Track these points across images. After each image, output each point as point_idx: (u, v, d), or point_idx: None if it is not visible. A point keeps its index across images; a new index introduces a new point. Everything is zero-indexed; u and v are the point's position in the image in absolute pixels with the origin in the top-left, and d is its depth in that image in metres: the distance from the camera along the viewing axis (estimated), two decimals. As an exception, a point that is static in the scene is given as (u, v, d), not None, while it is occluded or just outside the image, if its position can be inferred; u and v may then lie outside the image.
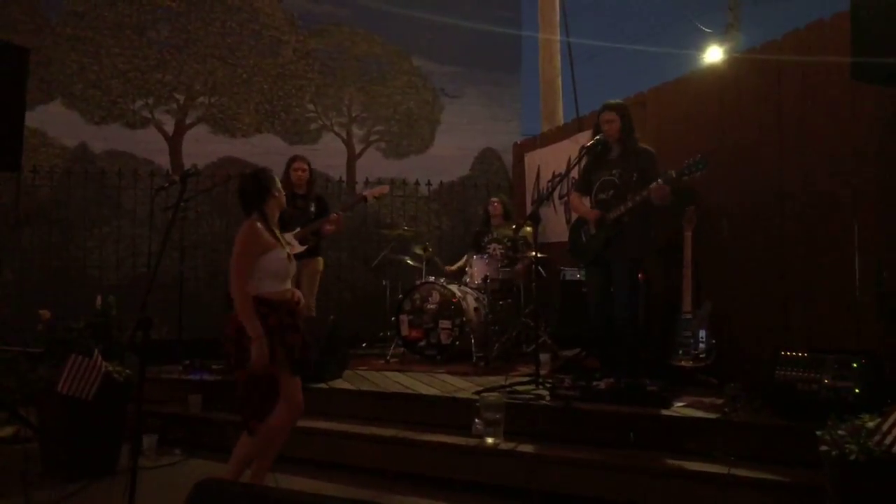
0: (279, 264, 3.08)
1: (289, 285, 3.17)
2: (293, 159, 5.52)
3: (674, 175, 3.92)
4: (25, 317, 4.84)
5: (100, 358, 3.71)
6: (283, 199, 3.22)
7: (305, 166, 5.45)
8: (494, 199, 6.30)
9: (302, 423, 4.21)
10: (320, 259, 5.54)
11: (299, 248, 5.30)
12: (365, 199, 5.44)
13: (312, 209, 5.39)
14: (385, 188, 5.66)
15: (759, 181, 4.18)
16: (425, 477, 3.80)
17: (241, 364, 2.99)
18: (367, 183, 7.35)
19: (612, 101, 4.37)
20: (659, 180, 3.95)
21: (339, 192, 7.17)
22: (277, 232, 3.21)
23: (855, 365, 3.17)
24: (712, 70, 4.92)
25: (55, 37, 6.70)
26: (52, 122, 6.66)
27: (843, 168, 3.66)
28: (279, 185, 3.20)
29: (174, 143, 6.98)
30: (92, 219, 6.69)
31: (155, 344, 3.68)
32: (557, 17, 7.93)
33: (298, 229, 5.31)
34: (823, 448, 2.58)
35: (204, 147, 6.96)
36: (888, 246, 3.39)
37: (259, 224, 3.07)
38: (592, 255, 4.35)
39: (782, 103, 4.05)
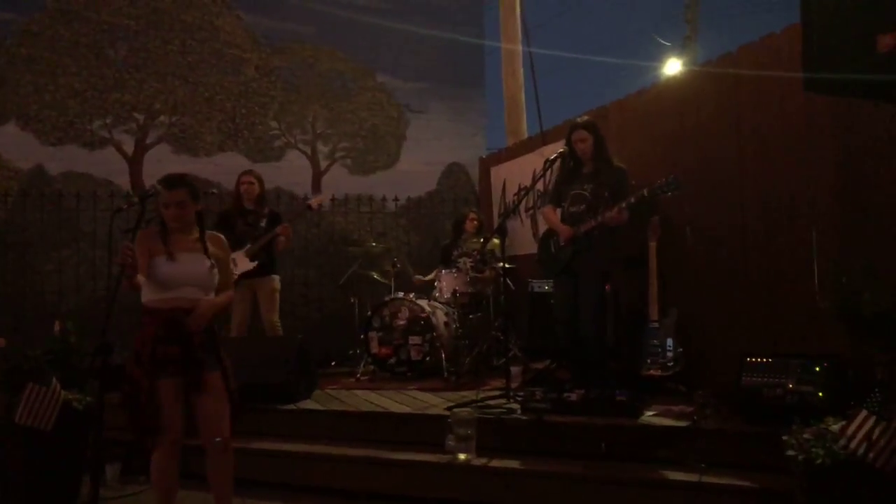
0: (157, 271, 2.95)
1: (176, 294, 2.97)
2: (241, 174, 5.49)
3: (645, 194, 3.98)
4: (-21, 345, 4.65)
5: (58, 386, 3.60)
6: (170, 212, 3.03)
7: (252, 179, 5.40)
8: (473, 213, 6.27)
9: (271, 446, 4.16)
10: (276, 277, 5.45)
11: (249, 266, 5.22)
12: (310, 207, 5.41)
13: (263, 224, 5.31)
14: (327, 195, 5.63)
15: (720, 191, 4.26)
16: (398, 496, 3.75)
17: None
18: (332, 200, 7.29)
19: (582, 120, 4.40)
20: (622, 204, 4.01)
21: (304, 210, 7.09)
22: (194, 241, 3.08)
23: (818, 369, 3.23)
24: (672, 83, 5.02)
25: (9, 57, 6.52)
26: (6, 144, 6.47)
27: (800, 177, 3.75)
28: (164, 198, 3.02)
29: (134, 163, 6.84)
30: (49, 242, 6.50)
31: (116, 369, 3.57)
32: (519, 33, 8.02)
33: (248, 246, 5.22)
34: (790, 453, 2.61)
35: (165, 167, 6.79)
36: (845, 251, 3.48)
37: (150, 232, 3.01)
38: (561, 266, 4.37)
39: (740, 114, 4.14)
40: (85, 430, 3.92)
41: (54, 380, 3.56)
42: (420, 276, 6.17)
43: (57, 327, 4.22)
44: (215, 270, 3.09)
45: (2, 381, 3.97)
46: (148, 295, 2.99)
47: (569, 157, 4.37)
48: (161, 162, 6.86)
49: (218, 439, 3.02)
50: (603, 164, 4.29)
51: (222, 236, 3.28)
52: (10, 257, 6.37)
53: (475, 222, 6.16)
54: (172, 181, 3.07)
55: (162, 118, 6.95)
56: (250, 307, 5.40)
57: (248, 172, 5.49)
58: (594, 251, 4.22)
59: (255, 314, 5.49)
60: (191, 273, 3.01)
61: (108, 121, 6.78)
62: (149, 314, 2.98)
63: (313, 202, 5.40)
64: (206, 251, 3.08)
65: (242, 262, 5.19)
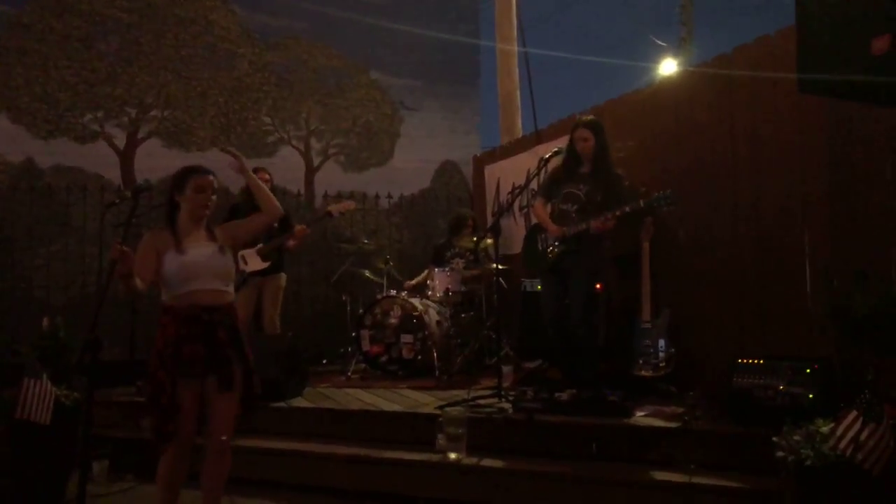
0: (170, 266, 2.87)
1: (193, 287, 2.88)
2: (255, 170, 5.41)
3: (641, 205, 3.98)
4: (-33, 340, 4.62)
5: (48, 382, 3.58)
6: (204, 196, 2.96)
7: (268, 176, 5.39)
8: (471, 219, 6.21)
9: (260, 444, 4.14)
10: (283, 275, 5.49)
11: (262, 265, 5.22)
12: (330, 214, 5.38)
13: (275, 224, 5.27)
14: (351, 204, 5.63)
15: (713, 192, 4.26)
16: (388, 495, 3.74)
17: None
18: (325, 196, 7.27)
19: (587, 118, 4.37)
20: (616, 212, 4.01)
21: (297, 206, 7.08)
22: (204, 233, 3.01)
23: (808, 371, 3.24)
24: (667, 83, 5.02)
25: (0, 49, 6.48)
26: (-3, 136, 6.44)
27: (793, 178, 3.76)
28: (199, 182, 2.95)
29: (126, 157, 6.80)
30: (39, 237, 6.46)
31: (105, 365, 3.56)
32: (515, 32, 8.02)
33: (260, 245, 5.21)
34: (780, 454, 2.62)
35: (157, 161, 6.77)
36: (836, 253, 3.49)
37: (158, 232, 2.95)
38: (547, 264, 4.36)
39: (734, 116, 4.14)
40: (73, 427, 3.89)
41: (44, 375, 3.53)
42: (409, 282, 6.15)
43: (46, 323, 4.20)
44: (229, 255, 3.01)
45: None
46: (165, 294, 2.93)
47: (569, 153, 4.35)
48: (152, 156, 6.82)
49: (224, 437, 2.98)
50: (601, 168, 4.26)
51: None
52: (-1, 252, 6.33)
53: (471, 223, 6.15)
54: (203, 167, 3.04)
55: (154, 112, 6.91)
56: (254, 305, 5.40)
57: (263, 169, 5.42)
58: (583, 251, 4.21)
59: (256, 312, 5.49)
60: (203, 261, 2.91)
61: (99, 114, 6.74)
62: (167, 313, 2.90)
63: (334, 209, 5.37)
64: (214, 238, 3.01)
65: (253, 261, 5.19)
